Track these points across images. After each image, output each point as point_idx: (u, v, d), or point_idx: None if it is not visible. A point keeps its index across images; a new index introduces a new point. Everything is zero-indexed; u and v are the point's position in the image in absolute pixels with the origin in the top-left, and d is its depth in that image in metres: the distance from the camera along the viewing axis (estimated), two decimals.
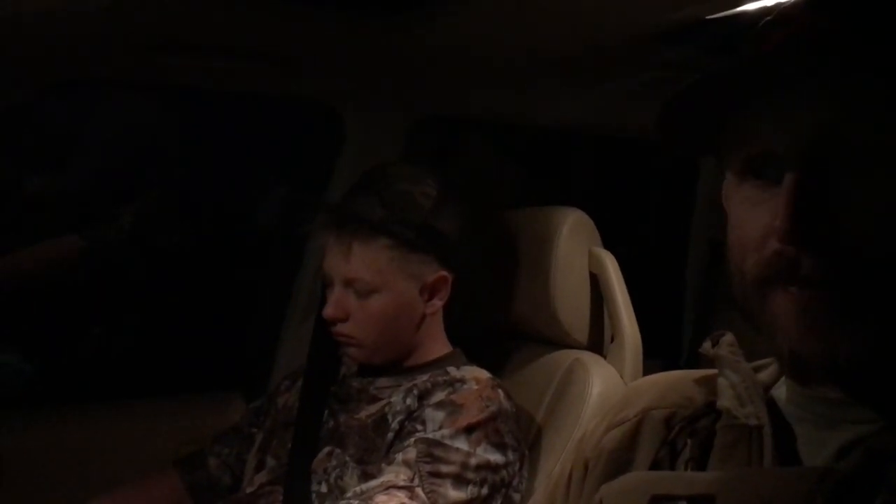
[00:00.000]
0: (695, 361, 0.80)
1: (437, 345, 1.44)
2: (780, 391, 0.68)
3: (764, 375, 0.71)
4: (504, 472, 1.27)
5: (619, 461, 0.74)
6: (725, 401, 0.70)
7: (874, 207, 0.57)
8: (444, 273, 1.38)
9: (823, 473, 0.58)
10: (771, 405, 0.67)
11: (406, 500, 1.18)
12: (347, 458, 1.31)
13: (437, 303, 1.40)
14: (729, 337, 0.74)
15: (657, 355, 1.69)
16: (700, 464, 0.69)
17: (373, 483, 1.21)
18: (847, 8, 0.59)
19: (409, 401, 1.32)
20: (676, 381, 0.78)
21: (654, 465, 0.72)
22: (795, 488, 0.57)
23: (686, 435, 0.71)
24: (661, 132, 0.66)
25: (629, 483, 0.69)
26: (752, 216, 0.62)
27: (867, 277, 0.57)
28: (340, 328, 1.37)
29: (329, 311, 1.36)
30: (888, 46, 0.57)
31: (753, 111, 0.62)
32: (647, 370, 1.43)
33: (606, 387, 1.37)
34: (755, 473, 0.64)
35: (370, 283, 1.34)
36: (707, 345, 0.72)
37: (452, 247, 1.39)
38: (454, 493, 1.21)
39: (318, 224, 1.40)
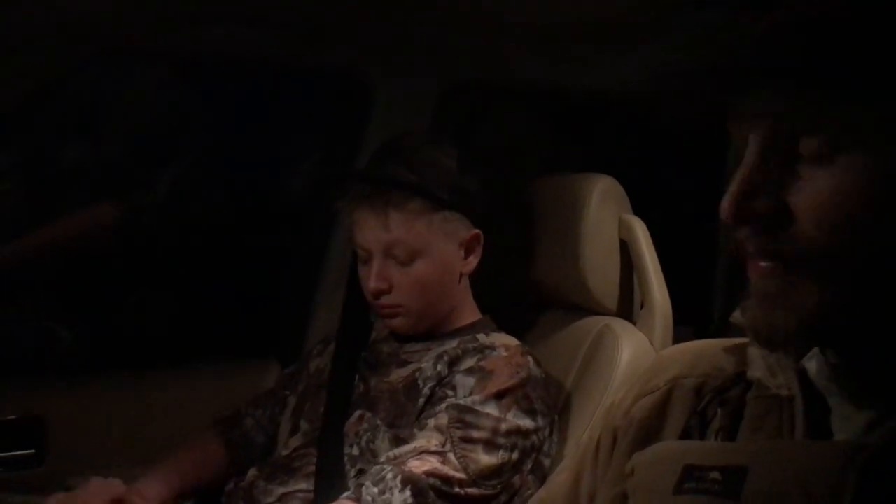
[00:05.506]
0: (725, 329, 0.80)
1: (467, 311, 1.45)
2: (811, 363, 0.68)
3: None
4: (534, 438, 1.29)
5: (648, 430, 0.75)
6: (756, 371, 0.70)
7: (818, 203, 0.59)
8: (478, 231, 1.41)
9: (856, 448, 0.58)
10: (802, 376, 0.67)
11: (438, 464, 1.20)
12: (378, 422, 1.33)
13: (473, 260, 1.42)
14: None
15: (687, 322, 1.68)
16: (730, 434, 0.69)
17: (405, 448, 1.23)
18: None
19: (439, 367, 1.34)
20: (706, 349, 0.78)
21: (684, 434, 0.72)
22: (828, 462, 0.58)
23: (716, 404, 0.72)
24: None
25: (661, 452, 0.70)
26: None
27: (807, 261, 0.60)
28: (385, 300, 1.37)
29: (372, 283, 1.35)
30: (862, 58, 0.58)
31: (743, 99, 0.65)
32: (677, 337, 1.43)
33: (636, 353, 1.37)
34: (788, 445, 0.64)
35: (412, 247, 1.34)
36: (738, 313, 0.73)
37: (481, 204, 1.41)
38: (485, 458, 1.23)
39: (350, 194, 1.39)
